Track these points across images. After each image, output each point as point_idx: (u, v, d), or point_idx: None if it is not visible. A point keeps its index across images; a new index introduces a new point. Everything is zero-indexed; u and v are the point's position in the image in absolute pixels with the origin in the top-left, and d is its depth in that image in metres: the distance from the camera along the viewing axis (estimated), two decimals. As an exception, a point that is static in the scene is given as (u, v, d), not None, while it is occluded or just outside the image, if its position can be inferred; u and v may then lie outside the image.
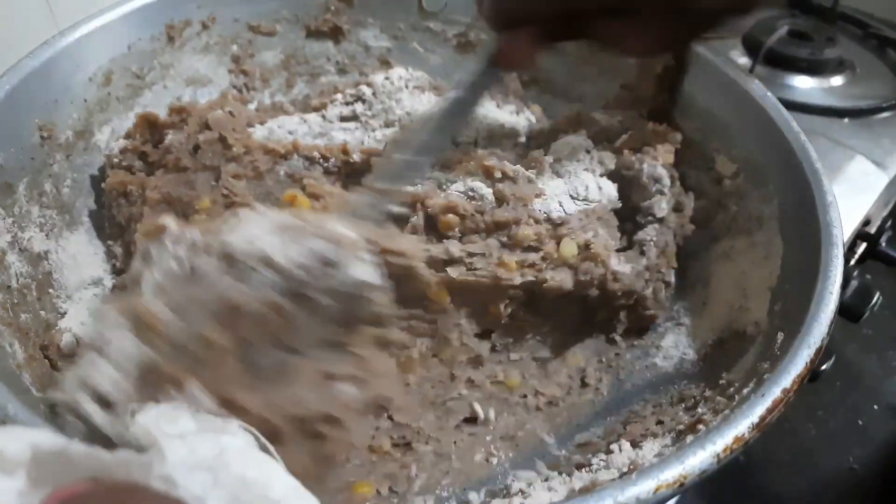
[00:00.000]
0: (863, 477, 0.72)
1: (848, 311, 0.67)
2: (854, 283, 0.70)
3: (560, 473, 0.43)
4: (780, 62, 0.81)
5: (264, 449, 0.26)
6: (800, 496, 0.68)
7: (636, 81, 0.62)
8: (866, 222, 0.71)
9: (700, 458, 0.34)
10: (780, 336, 0.41)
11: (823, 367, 0.66)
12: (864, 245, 0.73)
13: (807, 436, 0.73)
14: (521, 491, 0.42)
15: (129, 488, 0.21)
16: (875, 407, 0.80)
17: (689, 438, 0.38)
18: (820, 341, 0.39)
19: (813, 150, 0.49)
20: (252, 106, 0.67)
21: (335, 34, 0.70)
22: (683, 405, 0.45)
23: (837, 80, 0.82)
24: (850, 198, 0.66)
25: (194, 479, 0.22)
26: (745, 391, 0.40)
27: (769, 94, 0.53)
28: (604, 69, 0.64)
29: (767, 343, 0.43)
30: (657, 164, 0.51)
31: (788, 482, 0.69)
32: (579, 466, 0.42)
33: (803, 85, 0.81)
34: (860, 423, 0.78)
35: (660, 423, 0.44)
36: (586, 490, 0.36)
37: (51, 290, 0.51)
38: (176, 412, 0.25)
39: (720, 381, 0.44)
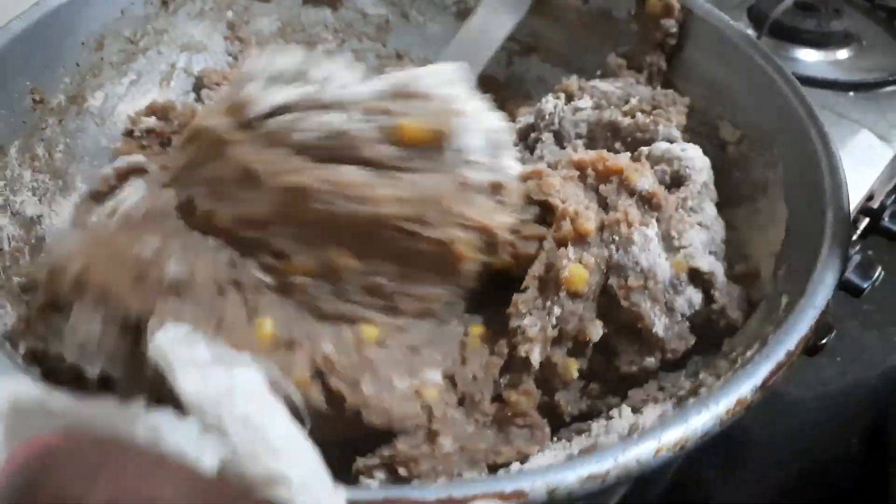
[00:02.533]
0: (863, 452, 0.71)
1: (849, 286, 0.66)
2: (856, 258, 0.69)
3: (559, 439, 0.42)
4: (785, 34, 0.80)
5: (275, 387, 0.25)
6: (798, 471, 0.68)
7: (635, 49, 0.61)
8: (869, 197, 0.70)
9: (703, 419, 0.34)
10: (785, 299, 0.41)
11: (824, 342, 0.66)
12: (866, 220, 0.72)
13: (806, 410, 0.73)
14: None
15: (107, 443, 0.21)
16: (875, 383, 0.80)
17: (691, 401, 0.37)
18: (825, 303, 0.38)
19: (818, 114, 0.48)
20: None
21: (333, 1, 0.68)
22: (685, 371, 0.44)
23: (843, 53, 0.81)
24: (854, 172, 0.65)
25: (181, 430, 0.21)
26: (747, 354, 0.39)
27: (773, 56, 0.52)
28: (605, 37, 0.62)
29: (771, 307, 0.42)
30: (671, 125, 0.50)
31: (787, 457, 0.69)
32: (579, 432, 0.42)
33: (808, 58, 0.80)
34: (860, 398, 0.77)
35: (661, 388, 0.43)
36: (587, 451, 0.35)
37: (44, 255, 0.50)
38: (192, 337, 0.24)
39: (722, 347, 0.44)
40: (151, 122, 0.56)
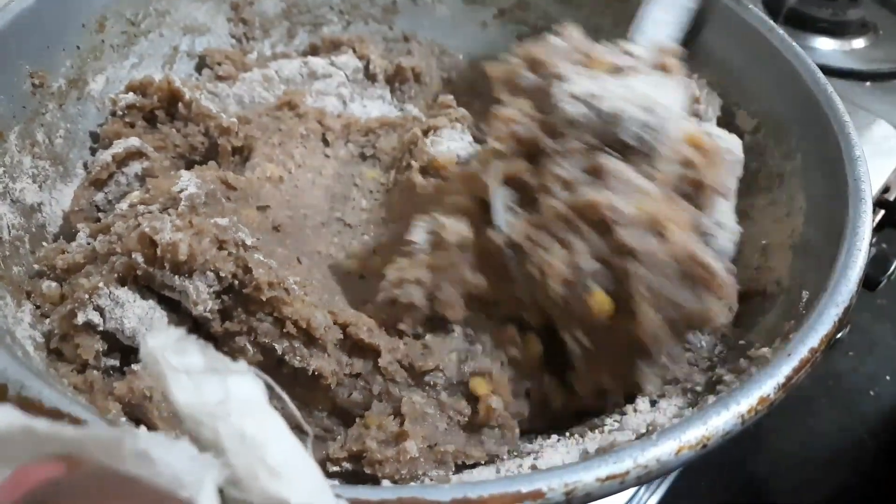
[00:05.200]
0: (874, 447, 0.71)
1: (865, 280, 0.65)
2: (871, 251, 0.68)
3: (571, 434, 0.41)
4: (800, 23, 0.79)
5: (273, 399, 0.24)
6: (810, 465, 0.67)
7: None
8: (886, 189, 0.69)
9: (724, 418, 0.33)
10: (805, 294, 0.40)
11: (838, 336, 0.65)
12: (882, 212, 0.71)
13: (818, 405, 0.72)
14: (532, 452, 0.41)
15: (106, 476, 0.20)
16: (888, 377, 0.79)
17: (711, 399, 0.36)
18: (848, 300, 0.37)
19: (840, 103, 0.46)
20: (252, 57, 0.64)
21: (339, -19, 0.67)
22: (698, 367, 0.43)
23: (859, 43, 0.80)
24: (871, 163, 0.64)
25: (173, 454, 0.20)
26: (764, 351, 0.38)
27: (794, 43, 0.51)
28: (619, 20, 0.61)
29: (791, 302, 0.41)
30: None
31: (798, 451, 0.68)
32: (592, 427, 0.41)
33: (824, 47, 0.79)
34: (872, 393, 0.77)
35: (670, 382, 0.42)
36: (604, 450, 0.35)
37: (45, 244, 0.49)
38: (184, 343, 0.23)
39: (739, 342, 0.43)
40: (130, 97, 0.55)
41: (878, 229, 0.68)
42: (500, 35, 0.66)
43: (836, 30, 0.79)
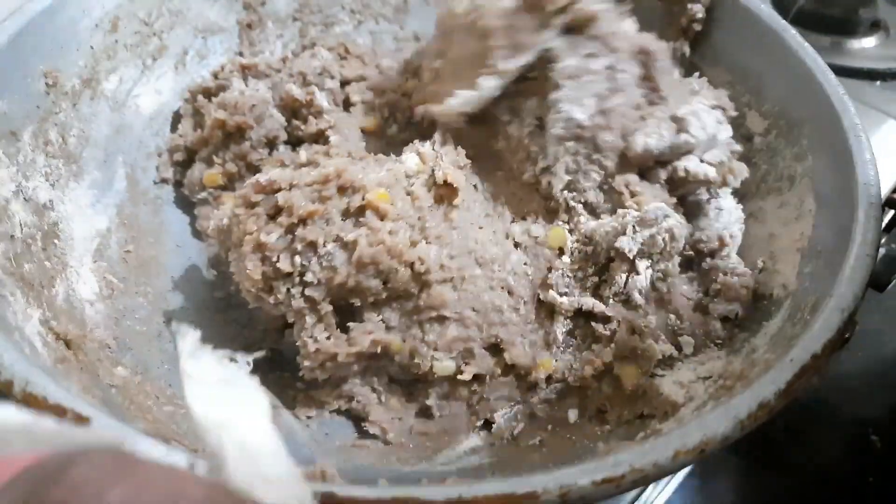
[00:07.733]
0: (882, 450, 0.70)
1: (873, 280, 0.64)
2: (881, 252, 0.67)
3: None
4: (810, 22, 0.78)
5: (276, 415, 0.25)
6: (816, 468, 0.66)
7: (658, 33, 0.59)
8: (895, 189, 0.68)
9: (723, 424, 0.33)
10: (811, 299, 0.39)
11: (847, 336, 0.64)
12: (891, 212, 0.70)
13: (826, 406, 0.71)
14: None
15: (117, 453, 0.20)
16: (897, 379, 0.78)
17: (710, 404, 0.36)
18: (853, 306, 0.37)
19: (852, 106, 0.46)
20: (263, 57, 0.65)
21: (350, -20, 0.67)
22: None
23: (870, 42, 0.79)
24: (880, 163, 0.63)
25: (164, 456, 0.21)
26: (767, 356, 0.38)
27: (806, 44, 0.50)
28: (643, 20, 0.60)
29: (796, 306, 0.41)
30: None
31: (804, 453, 0.67)
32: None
33: (834, 46, 0.78)
34: (881, 395, 0.75)
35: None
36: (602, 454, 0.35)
37: (56, 241, 0.50)
38: (201, 352, 0.24)
39: (744, 346, 0.42)
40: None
41: (887, 229, 0.68)
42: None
43: (847, 29, 0.79)
